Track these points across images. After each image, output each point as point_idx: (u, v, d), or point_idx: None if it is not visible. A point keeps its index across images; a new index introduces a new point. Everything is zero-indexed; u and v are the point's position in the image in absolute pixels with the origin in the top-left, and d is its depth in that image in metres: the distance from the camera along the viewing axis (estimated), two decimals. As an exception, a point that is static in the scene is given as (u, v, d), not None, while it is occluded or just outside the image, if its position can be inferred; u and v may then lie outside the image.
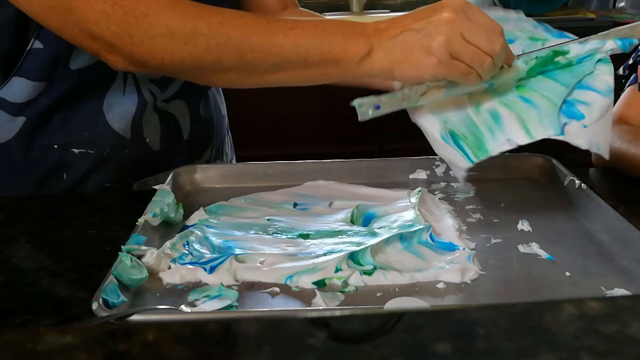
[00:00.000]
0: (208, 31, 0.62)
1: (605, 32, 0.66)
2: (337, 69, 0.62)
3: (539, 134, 0.63)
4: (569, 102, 0.65)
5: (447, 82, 0.64)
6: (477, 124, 0.66)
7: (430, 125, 0.68)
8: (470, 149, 0.65)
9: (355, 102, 0.64)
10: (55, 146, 0.78)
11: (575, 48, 0.66)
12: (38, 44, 0.73)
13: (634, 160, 0.81)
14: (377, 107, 0.65)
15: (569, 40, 0.68)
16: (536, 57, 0.66)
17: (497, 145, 0.65)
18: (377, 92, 0.66)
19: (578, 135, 0.63)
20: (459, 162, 0.65)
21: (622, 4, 2.20)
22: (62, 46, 0.73)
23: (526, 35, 0.71)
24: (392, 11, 2.42)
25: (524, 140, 0.64)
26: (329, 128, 1.31)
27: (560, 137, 0.63)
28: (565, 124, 0.64)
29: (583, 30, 1.86)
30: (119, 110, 0.79)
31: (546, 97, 0.65)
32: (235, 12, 0.64)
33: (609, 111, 0.65)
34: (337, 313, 0.50)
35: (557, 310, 0.32)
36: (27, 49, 0.73)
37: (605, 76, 0.66)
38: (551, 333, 0.31)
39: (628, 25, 0.67)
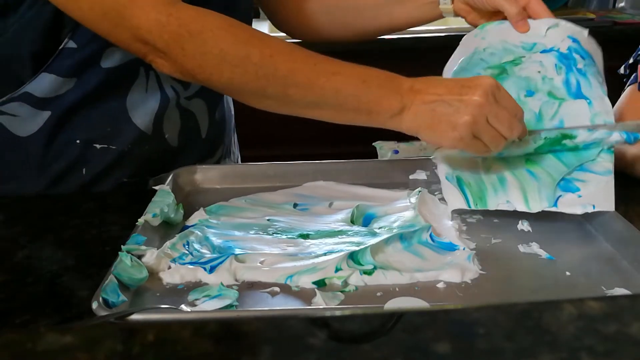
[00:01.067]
0: (259, 60, 0.66)
1: (614, 124, 0.70)
2: (369, 118, 0.67)
3: (535, 207, 0.69)
4: (567, 179, 0.70)
5: None
6: (483, 180, 0.72)
7: (440, 166, 0.74)
8: (471, 196, 0.71)
9: (377, 145, 0.75)
10: (78, 141, 0.78)
11: (583, 134, 0.70)
12: (72, 44, 0.74)
13: (634, 160, 0.81)
14: (396, 152, 0.75)
15: (578, 127, 0.71)
16: (545, 138, 0.70)
17: (496, 202, 0.71)
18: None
19: (572, 205, 0.69)
20: (457, 201, 0.71)
21: (622, 4, 2.20)
22: (96, 46, 0.74)
23: (546, 89, 0.74)
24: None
25: (521, 207, 0.70)
26: (331, 128, 1.32)
27: (554, 209, 0.69)
28: (559, 196, 0.69)
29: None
30: (142, 107, 0.79)
31: (549, 173, 0.71)
32: (286, 46, 0.68)
33: (611, 176, 0.70)
34: (337, 313, 0.50)
35: (557, 310, 0.32)
36: (60, 48, 0.74)
37: (606, 163, 0.70)
38: (551, 333, 0.31)
39: (636, 121, 0.72)
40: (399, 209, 0.71)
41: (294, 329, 0.33)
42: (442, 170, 0.73)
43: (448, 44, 0.80)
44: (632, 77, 1.01)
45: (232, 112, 0.97)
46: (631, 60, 1.03)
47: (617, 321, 0.31)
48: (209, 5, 0.70)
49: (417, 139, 0.68)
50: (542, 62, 0.74)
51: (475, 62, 0.76)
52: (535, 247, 0.65)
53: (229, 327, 0.36)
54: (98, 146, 0.79)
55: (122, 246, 0.59)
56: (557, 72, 0.73)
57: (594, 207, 0.68)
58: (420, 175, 0.82)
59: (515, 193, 0.70)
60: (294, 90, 0.66)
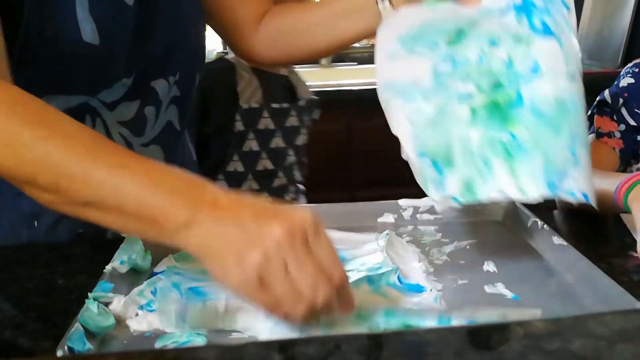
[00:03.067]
0: (29, 142, 0.55)
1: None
2: (154, 231, 0.53)
3: (533, 194, 0.63)
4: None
5: None
6: (467, 163, 0.66)
7: (406, 144, 0.68)
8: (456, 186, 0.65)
9: None
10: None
11: None
12: None
13: (600, 196, 0.83)
14: None
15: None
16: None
17: (486, 192, 0.65)
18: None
19: (567, 190, 0.63)
20: (439, 195, 0.65)
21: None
22: (35, 92, 0.73)
23: (510, 35, 0.68)
24: (359, 63, 2.49)
25: (516, 196, 0.64)
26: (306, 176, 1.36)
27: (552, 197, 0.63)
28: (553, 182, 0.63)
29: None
30: None
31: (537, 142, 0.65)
32: (75, 130, 0.57)
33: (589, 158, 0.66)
34: (294, 337, 0.49)
35: (504, 331, 0.33)
36: None
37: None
38: (498, 351, 0.32)
39: None
40: (367, 252, 0.72)
41: (251, 354, 0.33)
42: (411, 149, 0.64)
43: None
44: (590, 128, 1.07)
45: (194, 159, 0.97)
46: (588, 113, 1.09)
47: (560, 338, 0.32)
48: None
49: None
50: (501, 21, 0.69)
51: (426, 31, 0.72)
52: (500, 288, 0.66)
53: (187, 354, 0.36)
54: None
55: (89, 293, 0.58)
56: (519, 22, 0.68)
57: (585, 196, 0.63)
58: (388, 218, 0.83)
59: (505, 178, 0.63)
60: (67, 184, 0.54)
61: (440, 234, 0.80)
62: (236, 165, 1.27)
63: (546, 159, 0.64)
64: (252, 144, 1.26)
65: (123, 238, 0.71)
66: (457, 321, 0.54)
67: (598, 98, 1.09)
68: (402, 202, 0.84)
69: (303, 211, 0.52)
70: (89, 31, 0.70)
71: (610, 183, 0.79)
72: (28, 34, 0.67)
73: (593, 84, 1.12)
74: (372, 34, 0.81)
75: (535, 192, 0.63)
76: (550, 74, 0.66)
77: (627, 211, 0.75)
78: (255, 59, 0.95)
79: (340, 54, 2.44)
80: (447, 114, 0.67)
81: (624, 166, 1.06)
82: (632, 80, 1.06)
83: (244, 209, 0.52)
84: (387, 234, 0.75)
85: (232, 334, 0.57)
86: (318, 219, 0.52)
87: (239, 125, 1.25)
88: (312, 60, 0.94)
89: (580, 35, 2.30)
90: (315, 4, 0.89)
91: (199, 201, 0.52)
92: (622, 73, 1.10)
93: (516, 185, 0.63)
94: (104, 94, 0.75)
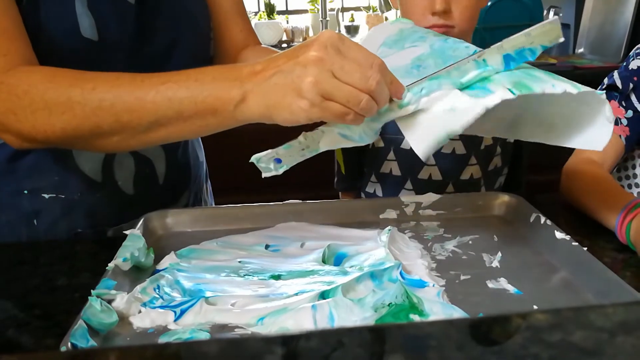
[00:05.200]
0: (82, 98, 0.61)
1: (500, 44, 0.62)
2: (216, 118, 0.60)
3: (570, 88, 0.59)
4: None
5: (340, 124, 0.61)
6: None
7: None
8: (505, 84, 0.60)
9: (254, 159, 0.61)
10: (25, 191, 0.77)
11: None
12: None
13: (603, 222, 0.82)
14: (279, 161, 0.62)
15: (466, 58, 0.62)
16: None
17: (541, 86, 0.60)
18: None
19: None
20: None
21: (581, 50, 2.30)
22: None
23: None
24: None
25: (567, 88, 0.59)
26: (309, 174, 1.35)
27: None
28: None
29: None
30: (89, 153, 0.78)
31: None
32: (112, 75, 0.63)
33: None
34: (296, 332, 0.49)
35: (505, 323, 0.33)
36: None
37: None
38: (499, 343, 0.32)
39: (522, 33, 0.62)
40: (370, 248, 0.72)
41: (253, 349, 0.33)
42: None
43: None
44: None
45: (202, 160, 0.98)
46: None
47: (562, 331, 0.32)
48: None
49: (295, 137, 0.61)
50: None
51: (409, 34, 0.74)
52: (503, 283, 0.66)
53: (188, 349, 0.36)
54: (47, 196, 0.78)
55: (91, 291, 0.59)
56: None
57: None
58: (391, 214, 0.83)
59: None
60: (128, 116, 0.61)
61: (443, 230, 0.80)
62: None
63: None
64: None
65: (125, 236, 0.71)
66: None
67: (607, 81, 1.04)
68: (404, 198, 0.84)
69: (323, 32, 0.57)
70: (87, 26, 0.70)
71: (610, 210, 0.78)
72: (25, 28, 0.67)
73: (595, 78, 1.11)
74: None
75: (586, 88, 0.60)
76: None
77: (633, 248, 0.74)
78: None
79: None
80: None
81: (628, 152, 1.04)
82: None
83: (276, 60, 0.58)
84: (390, 229, 0.75)
85: (235, 329, 0.57)
86: (336, 32, 0.58)
87: None
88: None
89: (582, 30, 2.29)
90: None
91: (240, 76, 0.59)
92: (631, 54, 1.04)
93: (569, 82, 0.60)
94: None
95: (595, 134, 0.62)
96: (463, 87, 0.62)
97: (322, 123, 0.62)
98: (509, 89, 0.59)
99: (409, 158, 0.99)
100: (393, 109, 0.61)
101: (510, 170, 1.07)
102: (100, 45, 0.71)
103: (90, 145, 0.66)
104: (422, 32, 0.75)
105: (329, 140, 0.62)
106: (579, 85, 0.61)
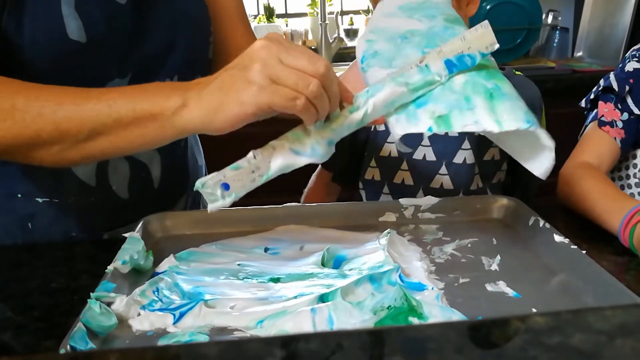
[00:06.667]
0: (24, 105, 0.61)
1: (439, 48, 0.62)
2: (155, 125, 0.60)
3: (508, 126, 0.59)
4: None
5: (291, 136, 0.61)
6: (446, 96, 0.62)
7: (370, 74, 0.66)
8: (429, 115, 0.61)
9: (198, 183, 0.58)
10: (19, 195, 0.77)
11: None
12: None
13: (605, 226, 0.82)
14: (226, 187, 0.58)
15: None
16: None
17: (462, 123, 0.60)
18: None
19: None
20: (405, 125, 0.62)
21: (579, 53, 2.30)
22: None
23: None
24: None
25: (491, 127, 0.59)
26: (309, 176, 1.35)
27: (532, 129, 0.59)
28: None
29: (543, 78, 1.92)
30: None
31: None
32: (59, 87, 0.63)
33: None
34: (296, 334, 0.49)
35: (504, 326, 0.33)
36: None
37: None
38: (499, 346, 0.32)
39: (457, 36, 0.63)
40: (369, 251, 0.72)
41: (253, 351, 0.33)
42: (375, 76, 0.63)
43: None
44: (593, 113, 1.04)
45: (201, 163, 0.97)
46: (592, 96, 1.06)
47: (561, 333, 0.32)
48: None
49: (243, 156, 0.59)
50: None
51: (426, 5, 0.74)
52: (502, 286, 0.66)
53: (188, 351, 0.36)
54: (40, 200, 0.78)
55: (91, 293, 0.59)
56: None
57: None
58: (390, 217, 0.83)
59: (483, 113, 0.60)
60: (67, 125, 0.60)
61: (442, 233, 0.80)
62: None
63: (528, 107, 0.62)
64: None
65: (124, 239, 0.71)
66: None
67: (603, 83, 1.04)
68: (404, 201, 0.84)
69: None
70: (74, 28, 0.69)
71: (612, 214, 0.79)
72: (7, 30, 0.67)
73: (594, 82, 1.11)
74: None
75: (512, 124, 0.59)
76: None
77: (634, 252, 0.74)
78: None
79: (341, 53, 2.44)
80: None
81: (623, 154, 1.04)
82: (637, 65, 1.01)
83: (223, 70, 0.58)
84: (389, 232, 0.75)
85: (235, 332, 0.57)
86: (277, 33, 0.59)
87: None
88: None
89: (581, 33, 2.30)
90: None
91: (184, 86, 0.59)
92: (627, 56, 1.05)
93: (494, 118, 0.60)
94: None
95: (540, 159, 0.62)
96: (412, 90, 0.62)
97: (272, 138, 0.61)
98: (430, 125, 0.60)
99: (422, 168, 0.99)
100: (344, 114, 0.61)
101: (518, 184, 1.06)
102: (88, 47, 0.70)
103: (30, 157, 0.64)
104: (438, 11, 0.73)
105: (281, 159, 0.60)
106: (508, 120, 0.59)
